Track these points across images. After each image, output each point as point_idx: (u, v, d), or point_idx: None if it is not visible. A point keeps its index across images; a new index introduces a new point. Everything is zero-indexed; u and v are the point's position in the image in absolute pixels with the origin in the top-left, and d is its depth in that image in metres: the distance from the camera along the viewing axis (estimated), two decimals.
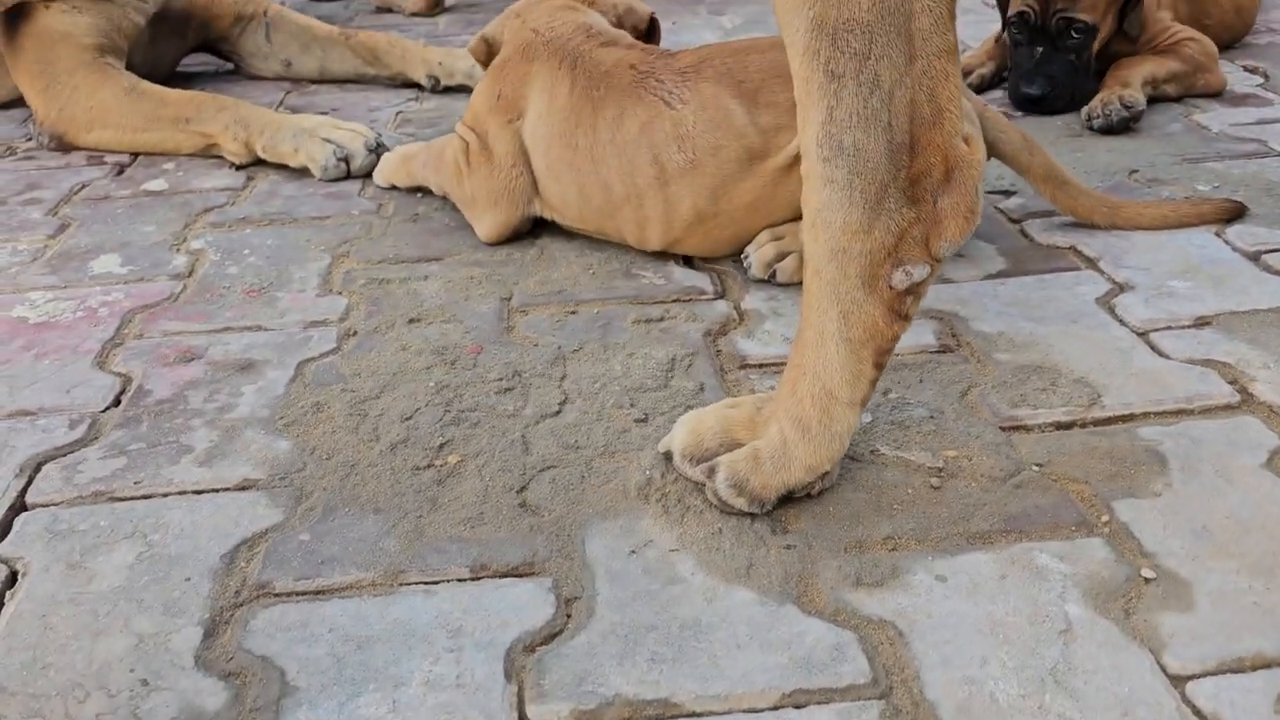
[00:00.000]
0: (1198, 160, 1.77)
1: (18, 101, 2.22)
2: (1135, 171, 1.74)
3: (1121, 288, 1.38)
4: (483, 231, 1.58)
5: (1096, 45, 1.99)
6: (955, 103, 0.87)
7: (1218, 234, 1.51)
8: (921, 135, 0.87)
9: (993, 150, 1.48)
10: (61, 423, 1.19)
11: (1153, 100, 2.01)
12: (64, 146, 2.05)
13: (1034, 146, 1.49)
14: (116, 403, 1.23)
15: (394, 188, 1.80)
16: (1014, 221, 1.59)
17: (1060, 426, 1.12)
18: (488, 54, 1.67)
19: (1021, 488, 1.02)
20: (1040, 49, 1.98)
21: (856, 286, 0.93)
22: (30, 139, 2.13)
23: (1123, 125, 1.89)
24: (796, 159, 1.33)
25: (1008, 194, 1.67)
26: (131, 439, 1.16)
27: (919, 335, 1.29)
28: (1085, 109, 1.94)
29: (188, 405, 1.22)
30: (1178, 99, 2.06)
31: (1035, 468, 1.05)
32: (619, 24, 1.68)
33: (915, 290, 0.94)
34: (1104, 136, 1.90)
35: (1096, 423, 1.12)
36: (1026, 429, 1.11)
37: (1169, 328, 1.29)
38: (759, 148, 1.39)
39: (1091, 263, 1.45)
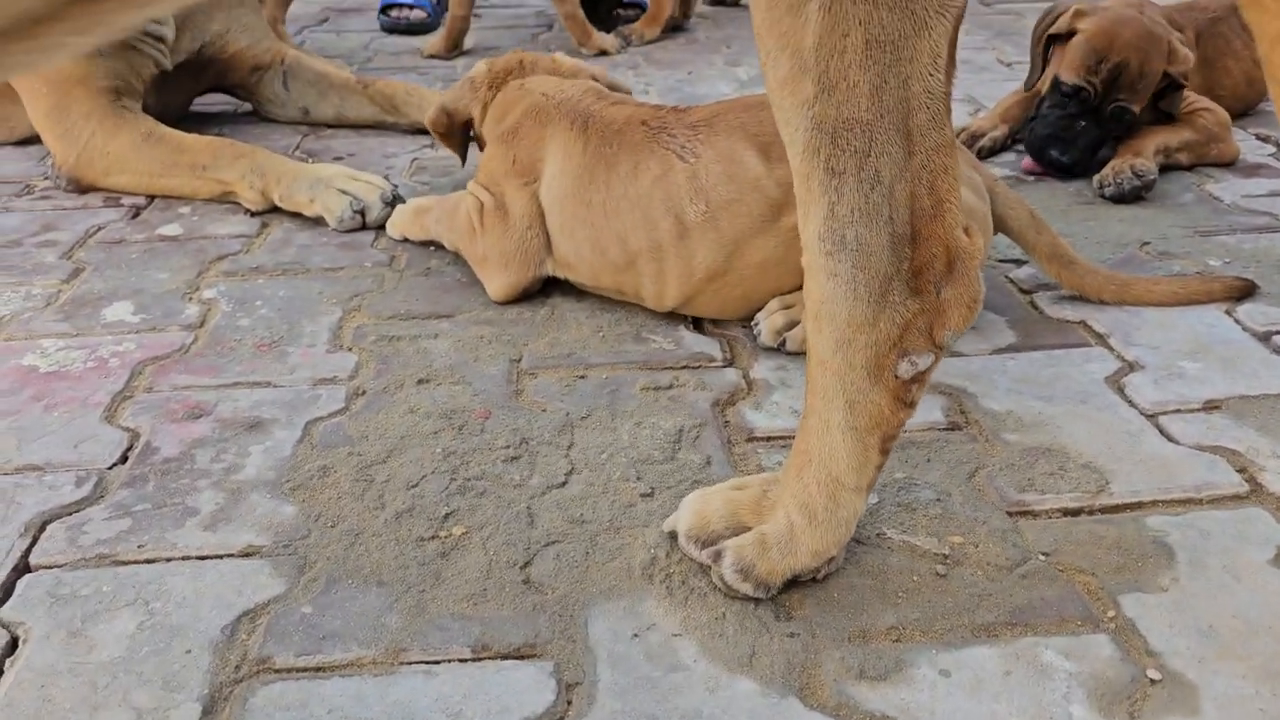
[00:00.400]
0: (1209, 234, 1.77)
1: (36, 138, 2.23)
2: (1147, 244, 1.74)
3: (1131, 366, 1.38)
4: (494, 290, 1.58)
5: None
6: (954, 194, 0.88)
7: (1228, 312, 1.51)
8: (923, 228, 0.88)
9: (1000, 225, 1.49)
10: (68, 480, 1.20)
11: (1165, 168, 2.02)
12: (81, 189, 2.07)
13: (1041, 225, 1.50)
14: (124, 459, 1.24)
15: (407, 240, 1.81)
16: (1024, 292, 1.59)
17: (1068, 513, 1.11)
18: (449, 125, 1.74)
19: (1028, 578, 1.02)
20: (1083, 123, 1.97)
21: (862, 377, 0.93)
22: (47, 178, 2.14)
23: (1134, 194, 1.90)
24: None
25: (1019, 263, 1.67)
26: (137, 499, 1.16)
27: (928, 412, 1.29)
28: (1097, 177, 1.95)
29: (194, 465, 1.22)
30: (1190, 168, 2.07)
31: (1042, 557, 1.05)
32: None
33: (920, 378, 0.94)
34: (1116, 205, 1.90)
35: (1104, 510, 1.11)
36: (1034, 515, 1.11)
37: (1178, 410, 1.28)
38: (777, 200, 1.39)
39: (1102, 339, 1.45)
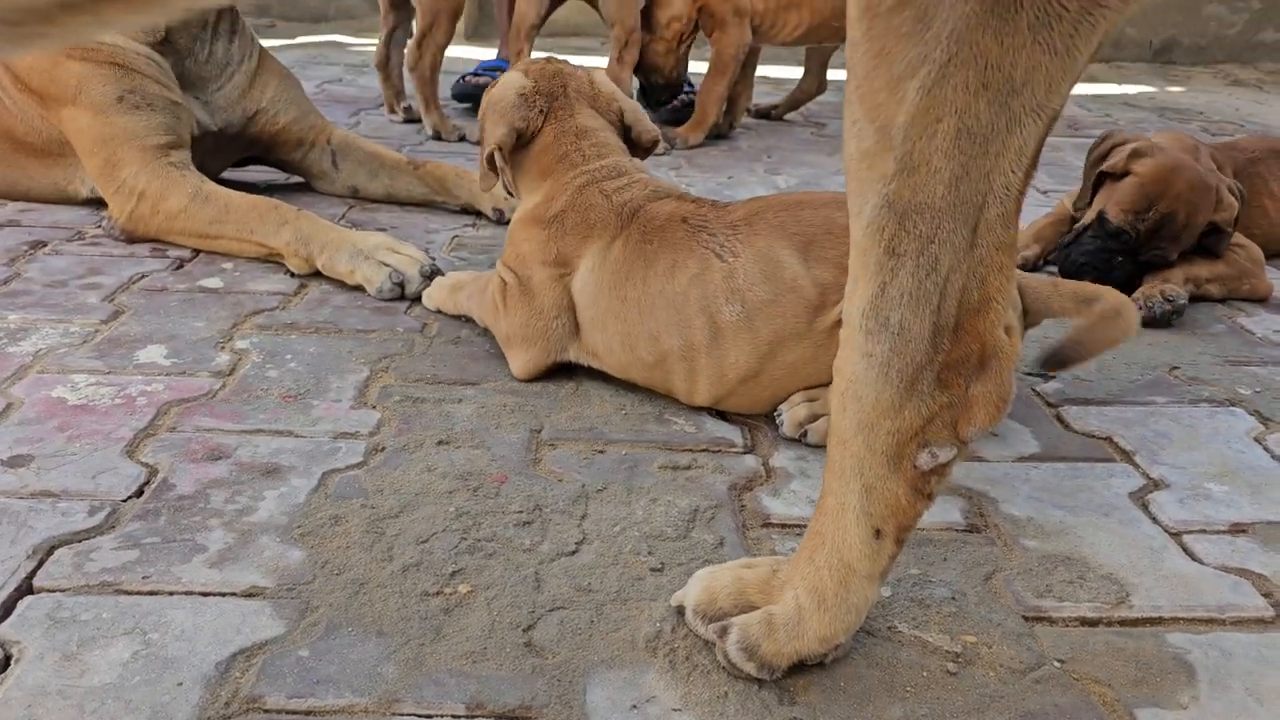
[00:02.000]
0: (1240, 364, 1.77)
1: (93, 202, 2.30)
2: (1176, 368, 1.74)
3: (1156, 484, 1.36)
4: (517, 369, 1.59)
5: None
6: (1004, 293, 0.88)
7: (1258, 439, 1.49)
8: (965, 321, 0.88)
9: (1042, 315, 1.44)
10: (82, 508, 1.20)
11: (1196, 299, 2.03)
12: (132, 241, 2.13)
13: (1058, 285, 1.45)
14: (139, 493, 1.24)
15: (440, 312, 1.83)
16: (1050, 406, 1.58)
17: (1085, 622, 1.08)
18: (515, 145, 1.61)
19: (1041, 683, 0.99)
20: (1120, 259, 1.99)
21: (882, 463, 0.92)
22: (99, 227, 2.20)
23: (1165, 319, 1.90)
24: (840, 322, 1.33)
25: (1046, 378, 1.67)
26: (148, 532, 1.16)
27: (946, 513, 1.27)
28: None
29: (208, 504, 1.22)
30: (1222, 301, 2.07)
31: (1057, 663, 1.02)
32: (621, 128, 1.69)
33: (940, 471, 0.93)
34: (1145, 329, 1.90)
35: (1123, 623, 1.09)
36: (1050, 621, 1.08)
37: (1203, 531, 1.26)
38: (814, 302, 1.38)
39: (1127, 455, 1.44)
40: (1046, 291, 1.41)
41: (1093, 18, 0.76)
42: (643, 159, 1.71)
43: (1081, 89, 4.89)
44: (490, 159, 1.63)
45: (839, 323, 1.36)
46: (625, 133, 1.69)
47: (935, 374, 0.88)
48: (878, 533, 0.93)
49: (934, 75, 0.78)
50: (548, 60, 1.70)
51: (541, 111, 1.63)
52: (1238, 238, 2.10)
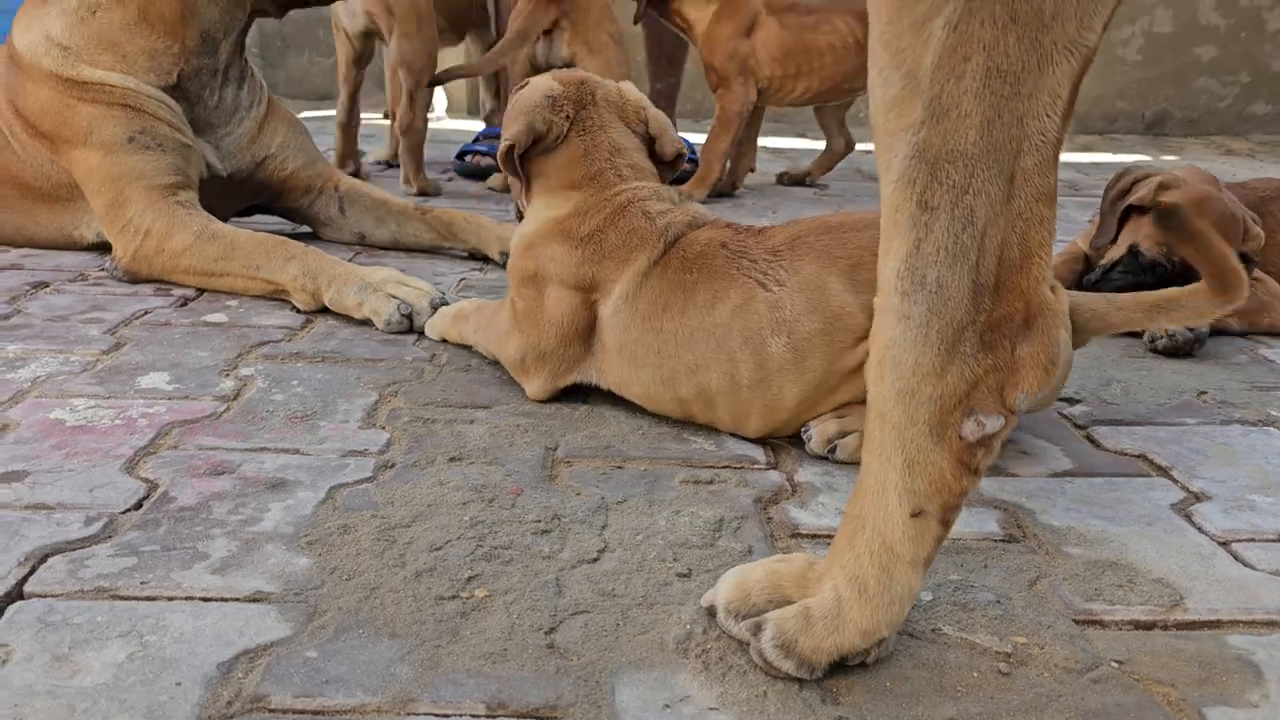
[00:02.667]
0: (1268, 389, 1.72)
1: (98, 247, 2.28)
2: (1204, 393, 1.69)
3: (1198, 497, 1.31)
4: (532, 390, 1.54)
5: None
6: (1046, 249, 0.84)
7: None
8: (1007, 279, 0.84)
9: (1093, 332, 1.38)
10: (78, 518, 1.14)
11: (1217, 332, 1.99)
12: (135, 282, 2.10)
13: (1110, 298, 1.40)
14: (138, 506, 1.18)
15: (446, 341, 1.79)
16: (1079, 427, 1.54)
17: (1140, 626, 1.02)
18: (529, 148, 1.54)
19: (1100, 683, 0.92)
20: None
21: (924, 434, 0.87)
22: (104, 269, 2.18)
23: (1188, 347, 1.86)
24: None
25: (1072, 401, 1.62)
26: (146, 540, 1.10)
27: (983, 523, 1.22)
28: (1147, 332, 1.92)
29: (210, 515, 1.17)
30: (1242, 334, 2.04)
31: (1115, 664, 0.95)
32: (647, 139, 1.62)
33: (987, 443, 0.88)
34: (1169, 359, 1.86)
35: (1180, 625, 1.02)
36: (1102, 625, 1.02)
37: (1252, 539, 1.20)
38: (866, 330, 1.29)
39: (1164, 471, 1.39)
40: (1100, 307, 1.34)
41: None
42: (668, 175, 1.65)
43: (1078, 157, 4.95)
44: (508, 156, 1.55)
45: None
46: (650, 144, 1.63)
47: (978, 334, 0.84)
48: (921, 512, 0.88)
49: (959, 10, 0.75)
50: (575, 70, 1.66)
51: (568, 118, 1.56)
52: (1256, 272, 2.07)
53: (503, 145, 1.55)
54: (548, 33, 3.14)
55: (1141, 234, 1.97)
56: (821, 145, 3.83)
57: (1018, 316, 0.85)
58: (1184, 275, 1.93)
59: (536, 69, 3.21)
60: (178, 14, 2.20)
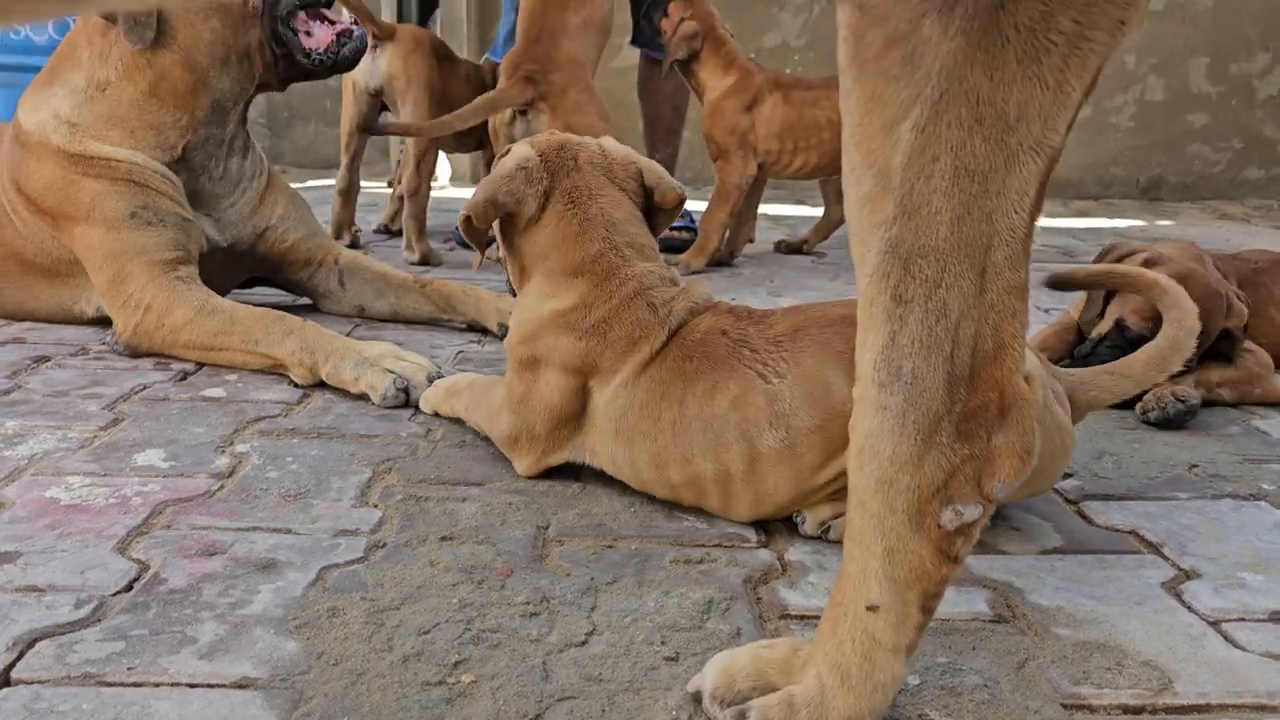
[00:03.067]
0: (1260, 461, 1.73)
1: (98, 321, 2.31)
2: (1195, 466, 1.70)
3: (1188, 575, 1.31)
4: (522, 467, 1.54)
5: None
6: (1019, 340, 0.86)
7: None
8: (982, 370, 0.86)
9: (1096, 405, 1.44)
10: (68, 601, 1.15)
11: (1208, 404, 2.00)
12: (135, 356, 2.12)
13: (1118, 369, 1.45)
14: (129, 588, 1.19)
15: (439, 415, 1.81)
16: (1070, 502, 1.54)
17: (1129, 710, 1.02)
18: (490, 222, 1.51)
19: None
20: None
21: (903, 522, 0.88)
22: (104, 344, 2.20)
23: (1179, 419, 1.87)
24: None
25: (1065, 475, 1.63)
26: (135, 624, 1.10)
27: (971, 603, 1.22)
28: (1139, 404, 1.93)
29: (200, 597, 1.17)
30: (1235, 405, 2.05)
31: None
32: (642, 192, 1.59)
33: (966, 531, 0.89)
34: (1160, 430, 1.87)
35: (1169, 710, 1.02)
36: (1091, 709, 1.02)
37: (1242, 619, 1.20)
38: None
39: (1154, 548, 1.39)
40: (1098, 379, 1.37)
41: (1081, 51, 0.76)
42: (667, 223, 1.62)
43: (1074, 222, 5.00)
44: (466, 226, 1.51)
45: None
46: (647, 195, 1.60)
47: (954, 425, 0.85)
48: (877, 607, 0.88)
49: (927, 114, 0.78)
50: (555, 134, 1.61)
51: (545, 191, 1.51)
52: (1246, 343, 2.09)
53: (461, 214, 1.51)
54: (524, 113, 3.10)
55: (1128, 309, 1.99)
56: (819, 212, 3.88)
57: (993, 407, 0.86)
58: None
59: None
60: (189, 86, 2.26)
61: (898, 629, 0.90)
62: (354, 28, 2.46)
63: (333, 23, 2.44)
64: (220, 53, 2.28)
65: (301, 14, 2.38)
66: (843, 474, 1.33)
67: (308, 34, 2.39)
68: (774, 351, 1.38)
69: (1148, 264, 1.99)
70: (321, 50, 2.40)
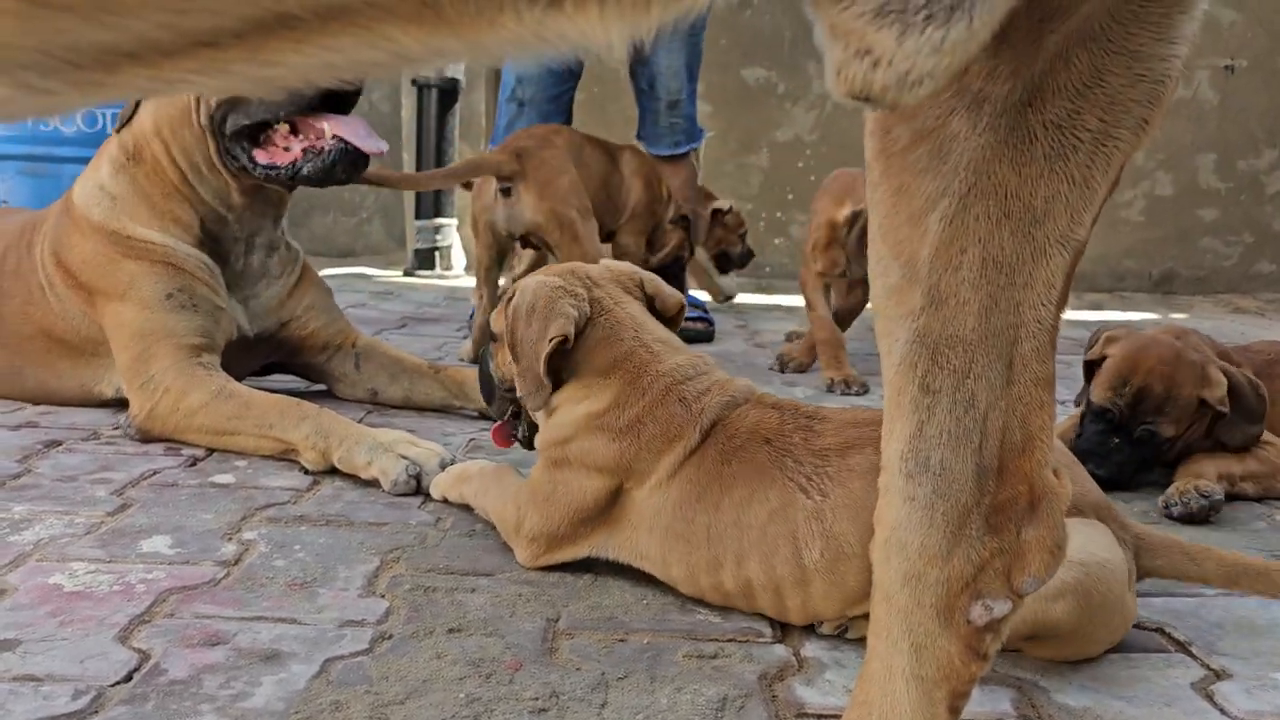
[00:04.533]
0: None
1: (114, 402, 2.31)
2: None
3: (1218, 675, 1.26)
4: (523, 558, 1.52)
5: (1175, 450, 2.01)
6: (1047, 433, 0.85)
7: None
8: (1010, 462, 0.84)
9: (1154, 572, 1.38)
10: (66, 691, 1.12)
11: (1232, 498, 1.97)
12: (147, 440, 2.12)
13: (1196, 553, 1.38)
14: (128, 678, 1.16)
15: (447, 501, 1.79)
16: None
17: None
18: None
19: None
20: (1116, 441, 2.00)
21: (931, 618, 0.86)
22: (117, 428, 2.20)
23: (1203, 514, 1.84)
24: None
25: None
26: (133, 716, 1.08)
27: (996, 702, 1.18)
28: (1162, 497, 1.90)
29: (200, 689, 1.14)
30: (1259, 499, 2.01)
31: None
32: (647, 299, 1.60)
33: (995, 628, 0.86)
34: (1184, 525, 1.83)
35: None
36: None
37: None
38: None
39: (1182, 646, 1.35)
40: (1170, 551, 1.35)
41: (1106, 148, 0.77)
42: (674, 330, 1.62)
43: (1088, 315, 5.00)
44: (550, 360, 1.46)
45: None
46: (650, 304, 1.62)
47: (983, 517, 0.83)
48: (930, 699, 0.85)
49: (954, 206, 0.78)
50: (554, 265, 1.64)
51: (586, 301, 1.50)
52: (1267, 435, 2.07)
53: (548, 346, 1.46)
54: (507, 193, 3.04)
55: (1095, 384, 2.04)
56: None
57: (1022, 500, 0.84)
58: (1133, 416, 1.97)
59: (497, 237, 3.12)
60: (179, 178, 2.28)
61: None
62: (329, 144, 2.24)
63: (317, 138, 2.25)
64: (188, 160, 2.28)
65: (283, 128, 2.26)
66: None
67: (285, 149, 2.26)
68: (820, 465, 1.33)
69: (1110, 340, 2.06)
70: (280, 164, 2.25)
